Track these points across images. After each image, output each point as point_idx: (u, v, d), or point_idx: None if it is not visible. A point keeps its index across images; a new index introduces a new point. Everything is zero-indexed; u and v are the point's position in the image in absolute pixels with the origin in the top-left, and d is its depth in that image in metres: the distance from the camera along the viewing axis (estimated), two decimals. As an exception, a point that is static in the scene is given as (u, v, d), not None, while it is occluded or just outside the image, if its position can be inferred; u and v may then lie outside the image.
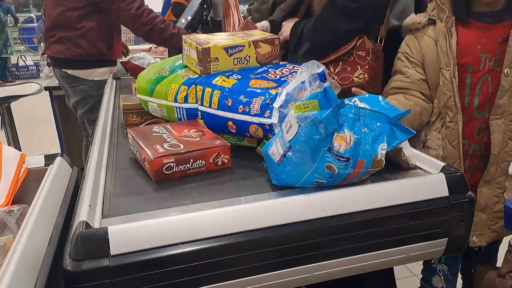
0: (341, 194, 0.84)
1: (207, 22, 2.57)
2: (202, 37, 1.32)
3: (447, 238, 0.92)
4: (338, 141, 0.82)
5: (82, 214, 0.73)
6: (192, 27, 2.50)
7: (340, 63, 1.49)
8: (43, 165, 1.03)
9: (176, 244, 0.72)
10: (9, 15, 8.92)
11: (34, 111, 5.57)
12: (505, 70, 1.27)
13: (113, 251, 0.68)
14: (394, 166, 0.98)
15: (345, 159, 0.82)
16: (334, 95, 0.84)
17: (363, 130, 0.84)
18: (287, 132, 0.85)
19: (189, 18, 2.49)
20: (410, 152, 0.98)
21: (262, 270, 0.79)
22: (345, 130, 0.82)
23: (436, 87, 1.37)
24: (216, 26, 2.59)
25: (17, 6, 12.48)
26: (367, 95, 1.00)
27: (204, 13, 2.51)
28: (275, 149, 0.89)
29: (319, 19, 1.56)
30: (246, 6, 9.92)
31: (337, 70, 1.49)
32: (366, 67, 1.44)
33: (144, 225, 0.72)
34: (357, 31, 1.40)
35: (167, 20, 2.48)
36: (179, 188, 0.91)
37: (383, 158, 0.84)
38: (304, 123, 0.81)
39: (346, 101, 0.92)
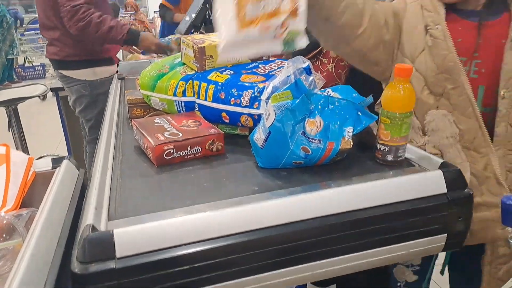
0: (339, 193, 0.86)
1: (210, 22, 2.58)
2: (198, 37, 1.44)
3: (446, 234, 0.93)
4: (309, 125, 0.94)
5: (88, 217, 0.75)
6: (195, 27, 2.51)
7: (318, 58, 1.62)
8: (51, 168, 1.05)
9: (181, 245, 0.74)
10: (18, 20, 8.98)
11: (41, 110, 5.60)
12: (501, 92, 1.11)
13: (119, 254, 0.70)
14: (392, 167, 1.00)
15: (316, 141, 0.94)
16: (304, 86, 0.96)
17: (331, 116, 0.96)
18: (266, 120, 0.97)
19: (193, 15, 2.50)
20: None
21: (264, 269, 0.81)
22: (316, 116, 0.95)
23: (417, 54, 1.19)
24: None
25: (24, 7, 12.53)
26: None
27: (207, 13, 2.52)
28: (258, 135, 1.00)
29: None
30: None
31: (315, 65, 1.60)
32: (324, 73, 1.56)
33: (149, 227, 0.74)
34: None
35: (105, 15, 2.44)
36: (178, 171, 1.01)
37: (350, 140, 0.96)
38: (279, 111, 0.93)
39: (320, 91, 1.06)
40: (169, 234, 0.74)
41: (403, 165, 1.00)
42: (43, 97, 3.22)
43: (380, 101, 1.32)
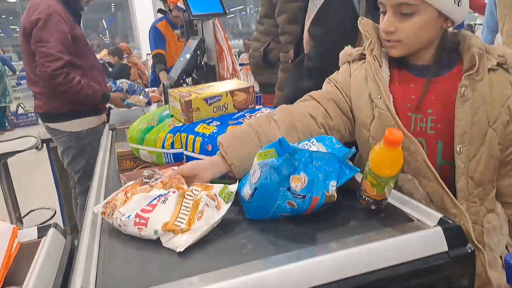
0: (336, 258, 0.82)
1: (202, 67, 2.61)
2: (185, 90, 1.49)
3: (450, 295, 0.89)
4: (294, 181, 0.95)
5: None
6: (187, 73, 2.54)
7: None
8: (36, 237, 1.01)
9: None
10: (6, 66, 9.02)
11: (36, 160, 5.56)
12: (457, 147, 1.11)
13: None
14: (390, 224, 0.97)
15: (302, 196, 0.96)
16: (288, 144, 0.99)
17: (315, 171, 0.98)
18: (252, 176, 1.00)
19: (185, 62, 2.52)
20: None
21: None
22: (300, 172, 0.96)
23: (370, 123, 1.20)
24: (210, 71, 2.63)
25: (17, 53, 12.71)
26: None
27: (198, 59, 2.55)
28: (245, 190, 1.02)
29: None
30: (242, 41, 10.08)
31: None
32: None
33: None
34: (314, 88, 1.38)
35: (84, 81, 2.50)
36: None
37: (334, 193, 0.99)
38: (264, 169, 0.95)
39: (305, 141, 1.10)
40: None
41: (399, 219, 0.98)
42: (41, 145, 3.21)
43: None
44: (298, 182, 0.96)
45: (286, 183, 0.96)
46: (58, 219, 3.36)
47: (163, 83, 2.78)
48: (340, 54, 1.34)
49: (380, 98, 1.16)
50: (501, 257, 1.17)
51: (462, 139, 1.11)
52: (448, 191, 1.12)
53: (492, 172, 1.16)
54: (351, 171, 1.03)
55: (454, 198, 1.13)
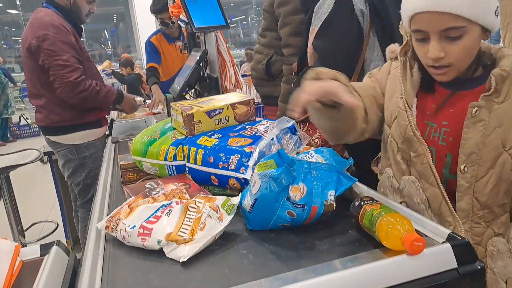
0: (343, 277, 0.81)
1: (204, 79, 2.61)
2: (187, 103, 1.52)
3: (461, 313, 0.87)
4: (293, 191, 0.98)
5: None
6: (189, 85, 2.54)
7: (307, 124, 1.68)
8: (39, 255, 1.00)
9: None
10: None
11: (40, 173, 5.55)
12: (461, 167, 1.10)
13: None
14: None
15: (301, 206, 0.99)
16: (286, 155, 1.01)
17: (314, 181, 1.01)
18: (253, 187, 1.03)
19: (187, 75, 2.52)
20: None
21: None
22: (299, 182, 0.99)
23: (392, 120, 1.23)
24: (213, 82, 2.63)
25: (20, 64, 12.75)
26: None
27: (201, 71, 2.55)
28: (246, 201, 1.05)
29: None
30: (243, 50, 10.10)
31: (303, 130, 1.67)
32: (321, 134, 1.58)
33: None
34: None
35: (97, 82, 2.55)
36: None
37: (333, 203, 1.01)
38: (264, 179, 0.99)
39: (304, 153, 1.14)
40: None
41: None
42: (47, 158, 3.21)
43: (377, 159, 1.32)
44: (297, 192, 0.99)
45: (286, 193, 0.99)
46: (60, 231, 3.35)
47: (166, 96, 2.78)
48: (386, 50, 1.35)
49: (402, 97, 1.17)
50: (506, 282, 1.14)
51: (468, 159, 1.09)
52: (447, 199, 1.12)
53: (502, 196, 1.12)
54: (349, 181, 1.06)
55: (452, 207, 1.12)
